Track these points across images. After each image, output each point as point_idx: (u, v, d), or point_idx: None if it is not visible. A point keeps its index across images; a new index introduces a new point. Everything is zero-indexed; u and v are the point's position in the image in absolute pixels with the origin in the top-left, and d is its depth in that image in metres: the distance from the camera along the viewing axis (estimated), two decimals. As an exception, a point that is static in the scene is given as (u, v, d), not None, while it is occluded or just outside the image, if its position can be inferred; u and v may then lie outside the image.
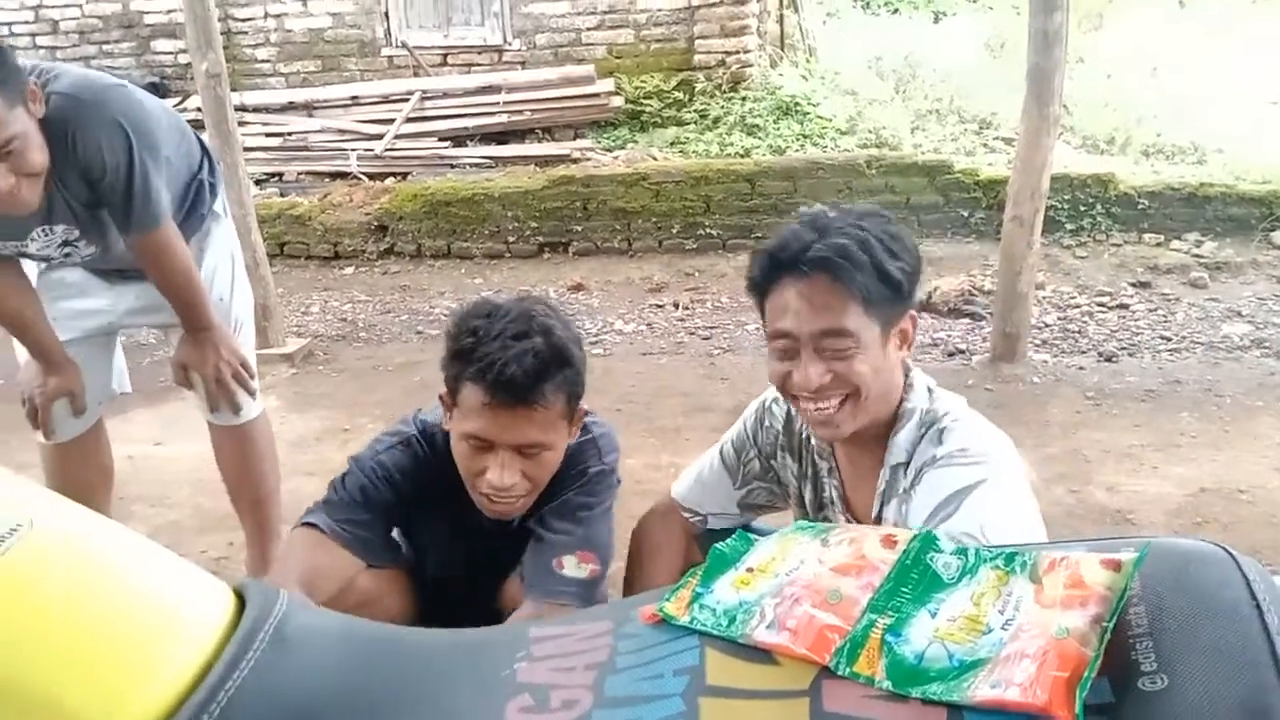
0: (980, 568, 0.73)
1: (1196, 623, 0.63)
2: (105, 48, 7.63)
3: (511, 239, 5.94)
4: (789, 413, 1.59)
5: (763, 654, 0.71)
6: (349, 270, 5.95)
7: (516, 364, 1.39)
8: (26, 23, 7.66)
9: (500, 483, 1.46)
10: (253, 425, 2.35)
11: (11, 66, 1.63)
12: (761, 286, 1.38)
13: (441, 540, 1.70)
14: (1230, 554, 0.67)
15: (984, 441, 1.36)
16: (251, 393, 2.26)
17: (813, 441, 1.56)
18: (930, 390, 1.45)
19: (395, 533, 1.74)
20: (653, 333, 4.73)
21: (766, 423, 1.64)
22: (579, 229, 5.90)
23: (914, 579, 0.73)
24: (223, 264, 2.27)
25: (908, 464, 1.39)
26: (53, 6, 7.63)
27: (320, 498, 1.65)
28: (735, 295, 5.13)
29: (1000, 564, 0.72)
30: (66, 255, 2.00)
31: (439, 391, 1.56)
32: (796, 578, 0.76)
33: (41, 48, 7.56)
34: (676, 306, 5.04)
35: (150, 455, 3.49)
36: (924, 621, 0.69)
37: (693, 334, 4.67)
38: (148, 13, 7.56)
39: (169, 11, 7.38)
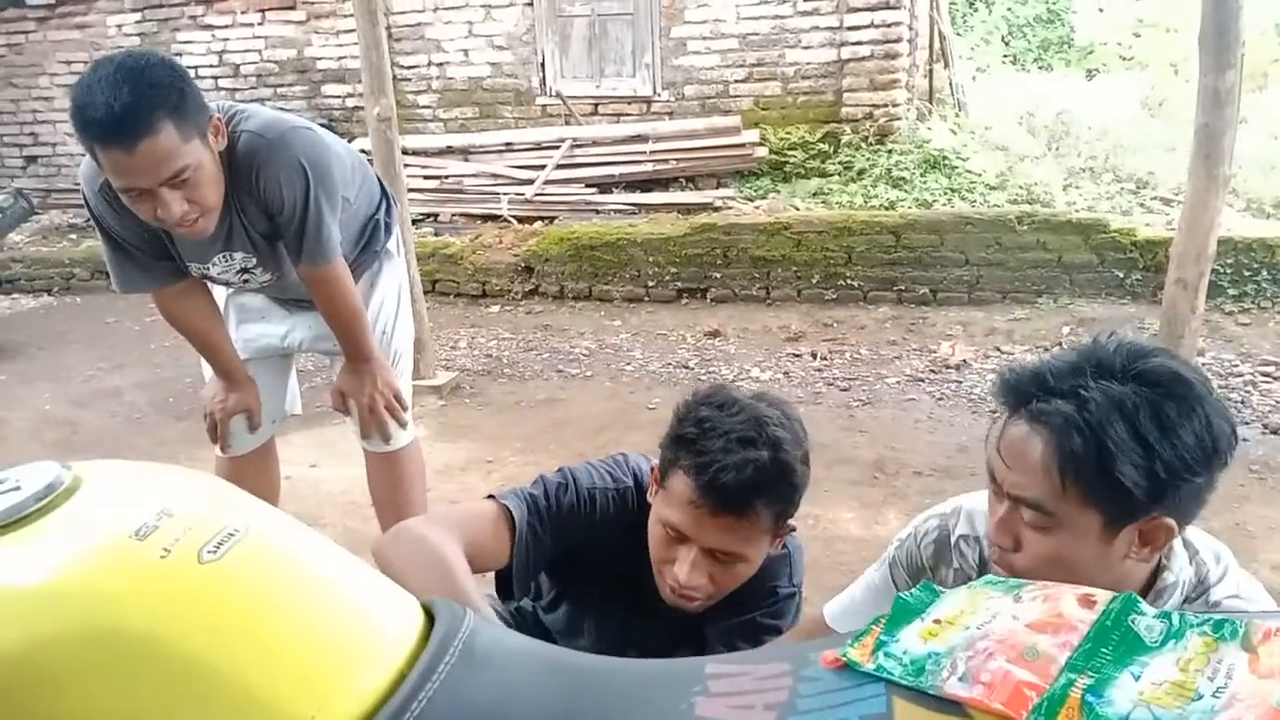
0: (1187, 632, 0.70)
1: None
2: (280, 90, 8.11)
3: (651, 284, 6.02)
4: (984, 558, 1.32)
5: (953, 706, 0.70)
6: (495, 309, 6.13)
7: (735, 472, 1.31)
8: (211, 66, 8.22)
9: (685, 580, 1.40)
10: (403, 453, 2.44)
11: (194, 101, 1.75)
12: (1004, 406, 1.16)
13: (604, 603, 1.61)
14: None
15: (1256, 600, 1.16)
16: (403, 424, 2.35)
17: None
18: (1194, 550, 1.22)
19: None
20: (790, 381, 4.70)
21: (955, 563, 1.38)
22: (718, 275, 5.93)
23: (1114, 640, 0.71)
24: (389, 299, 2.39)
25: None
26: (235, 52, 8.17)
27: (525, 488, 1.53)
28: (875, 347, 5.07)
29: (1209, 630, 0.70)
30: (245, 281, 2.13)
31: (652, 462, 1.50)
32: (989, 631, 0.74)
33: (223, 89, 8.09)
34: (814, 356, 5.01)
35: (306, 476, 3.65)
36: (1127, 684, 0.67)
37: (831, 385, 4.63)
38: (320, 59, 8.01)
39: (339, 59, 7.82)
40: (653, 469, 1.49)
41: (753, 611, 1.53)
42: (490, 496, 1.50)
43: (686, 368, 4.96)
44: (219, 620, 0.78)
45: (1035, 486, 1.09)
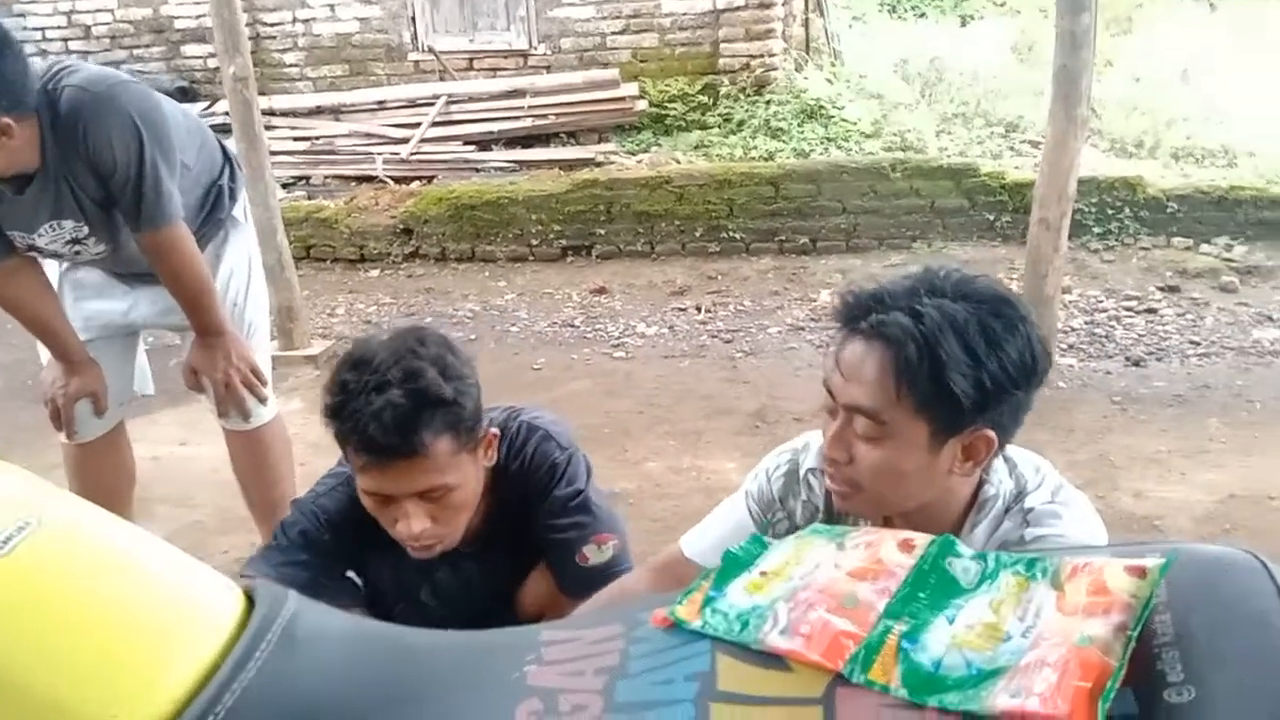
0: (1000, 573, 0.71)
1: (1225, 632, 0.60)
2: (136, 52, 7.71)
3: (535, 242, 5.94)
4: (829, 490, 1.34)
5: (776, 660, 0.69)
6: (374, 273, 5.97)
7: (375, 422, 1.33)
8: (59, 27, 7.75)
9: (410, 533, 1.42)
10: (266, 430, 2.34)
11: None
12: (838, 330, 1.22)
13: (406, 578, 1.62)
14: (1261, 561, 0.65)
15: (1077, 524, 1.21)
16: (262, 399, 2.25)
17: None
18: (1014, 464, 1.28)
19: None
20: (675, 336, 4.71)
21: (803, 495, 1.42)
22: (602, 232, 5.89)
23: (932, 584, 0.72)
24: (239, 269, 2.27)
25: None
26: (85, 11, 7.72)
27: (267, 548, 1.61)
28: (758, 299, 5.11)
29: (1021, 570, 0.70)
30: (77, 254, 2.00)
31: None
32: (811, 582, 0.74)
33: (74, 51, 7.65)
34: (699, 309, 5.02)
35: (174, 456, 3.52)
36: (941, 628, 0.67)
37: (715, 337, 4.65)
38: (178, 18, 7.63)
39: (198, 17, 7.45)
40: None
41: (549, 494, 1.58)
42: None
43: (573, 326, 4.93)
44: (6, 620, 0.73)
45: (870, 395, 1.14)
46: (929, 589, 0.71)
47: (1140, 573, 0.66)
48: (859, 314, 1.16)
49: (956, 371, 1.09)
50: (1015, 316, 1.13)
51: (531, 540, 1.63)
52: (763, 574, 0.78)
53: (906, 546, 0.75)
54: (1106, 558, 0.69)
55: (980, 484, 1.24)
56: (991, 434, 1.16)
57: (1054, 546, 1.14)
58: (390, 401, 1.33)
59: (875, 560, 0.74)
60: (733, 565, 0.80)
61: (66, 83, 1.76)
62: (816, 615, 0.70)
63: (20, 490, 0.85)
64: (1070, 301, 4.71)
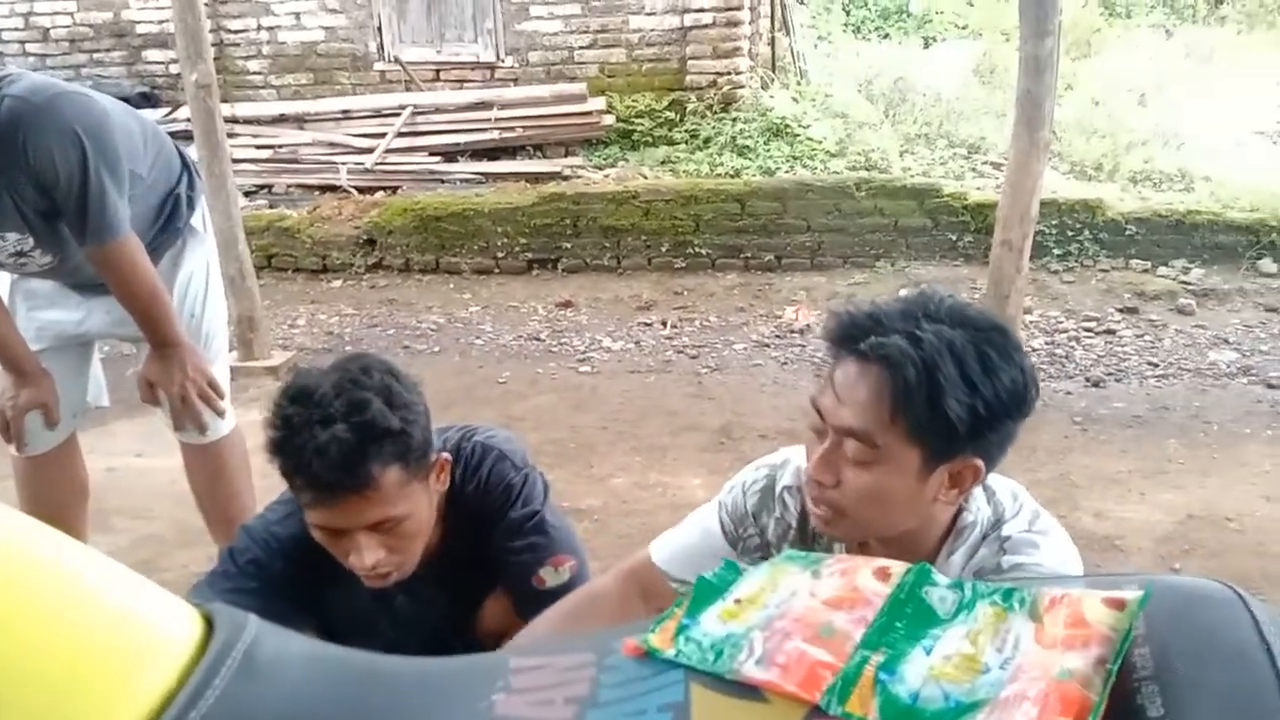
0: (977, 603, 0.70)
1: (1204, 665, 0.60)
2: (96, 56, 7.59)
3: (501, 255, 5.92)
4: (805, 509, 1.32)
5: (751, 690, 0.68)
6: (337, 283, 5.92)
7: (320, 458, 1.29)
8: (16, 29, 7.61)
9: (363, 565, 1.38)
10: (222, 444, 2.30)
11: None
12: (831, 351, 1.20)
13: (363, 606, 1.57)
14: (1238, 593, 0.65)
15: (1054, 553, 1.19)
16: (219, 412, 2.20)
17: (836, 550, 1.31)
18: (991, 492, 1.26)
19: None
20: (640, 351, 4.70)
21: (776, 512, 1.39)
22: (568, 246, 5.88)
23: (908, 614, 0.71)
24: (196, 280, 2.22)
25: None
26: (43, 14, 7.59)
27: (211, 568, 1.55)
28: (723, 315, 5.12)
29: (998, 600, 0.70)
30: (22, 265, 1.94)
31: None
32: (787, 610, 0.73)
33: (31, 55, 7.52)
34: (665, 325, 5.02)
35: (131, 467, 3.45)
36: (919, 659, 0.66)
37: (680, 353, 4.65)
38: (139, 22, 7.53)
39: (161, 22, 7.34)
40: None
41: (504, 516, 1.55)
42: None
43: (538, 339, 4.91)
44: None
45: (864, 418, 1.12)
46: (906, 619, 0.70)
47: (1119, 605, 0.65)
48: (855, 335, 1.14)
49: (953, 397, 1.08)
50: (1009, 345, 1.13)
51: (489, 562, 1.60)
52: (737, 601, 0.76)
53: (883, 574, 0.74)
54: (1083, 589, 0.68)
55: (958, 511, 1.23)
56: (979, 463, 1.15)
57: (1031, 575, 1.14)
58: (335, 436, 1.29)
59: (851, 588, 0.73)
60: (707, 592, 0.79)
61: (6, 92, 1.71)
62: (793, 645, 0.68)
63: (-40, 508, 0.82)
64: (1031, 322, 4.77)
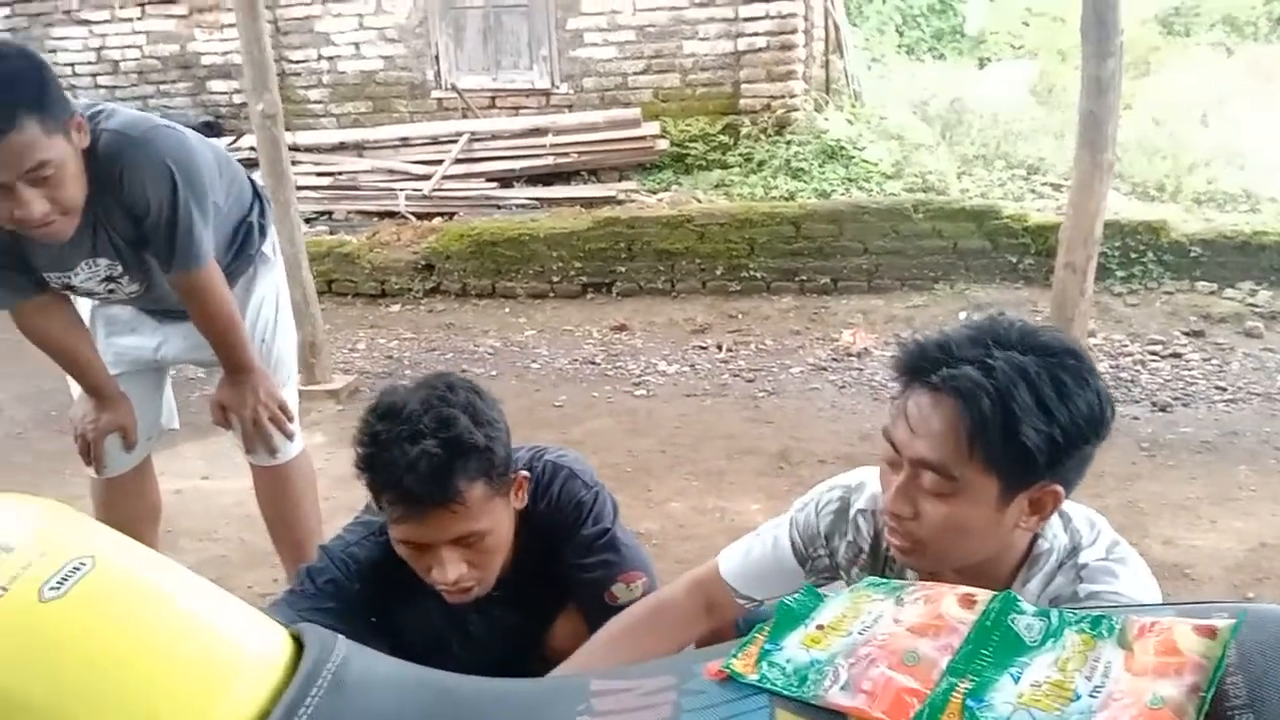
0: (1064, 631, 0.70)
1: (1302, 696, 0.60)
2: (163, 87, 7.82)
3: (556, 279, 5.97)
4: (878, 533, 1.33)
5: (837, 716, 0.68)
6: (395, 308, 6.00)
7: (411, 473, 1.33)
8: (89, 63, 7.88)
9: (446, 579, 1.42)
10: (291, 466, 2.34)
11: (55, 95, 1.64)
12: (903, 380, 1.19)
13: (436, 627, 1.61)
14: None
15: (1132, 582, 1.18)
16: (289, 435, 2.26)
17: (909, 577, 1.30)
18: (1068, 519, 1.26)
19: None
20: (696, 374, 4.70)
21: (849, 535, 1.39)
22: (623, 270, 5.91)
23: (995, 641, 0.71)
24: (268, 306, 2.29)
25: None
26: (114, 47, 7.85)
27: (290, 586, 1.60)
28: (779, 338, 5.10)
29: (1086, 628, 0.69)
30: (110, 291, 2.01)
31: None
32: (871, 637, 0.73)
33: (102, 87, 7.77)
34: (720, 348, 5.02)
35: (198, 490, 3.52)
36: (1007, 686, 0.66)
37: (736, 376, 4.64)
38: (204, 54, 7.75)
39: (225, 54, 7.57)
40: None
41: (576, 533, 1.58)
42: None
43: (593, 363, 4.93)
44: (59, 664, 0.73)
45: (941, 450, 1.11)
46: (992, 646, 0.70)
47: (1210, 633, 0.65)
48: (925, 366, 1.13)
49: (1030, 426, 1.06)
50: (1083, 368, 1.11)
51: (560, 580, 1.63)
52: (819, 628, 0.77)
53: (967, 602, 0.74)
54: (1173, 617, 0.68)
55: (1034, 538, 1.22)
56: (1059, 488, 1.13)
57: (1110, 604, 1.12)
58: (425, 451, 1.33)
59: (936, 616, 0.73)
60: (788, 618, 0.79)
61: (104, 127, 1.79)
62: (878, 671, 0.69)
63: (73, 530, 0.85)
64: (1095, 345, 4.69)
